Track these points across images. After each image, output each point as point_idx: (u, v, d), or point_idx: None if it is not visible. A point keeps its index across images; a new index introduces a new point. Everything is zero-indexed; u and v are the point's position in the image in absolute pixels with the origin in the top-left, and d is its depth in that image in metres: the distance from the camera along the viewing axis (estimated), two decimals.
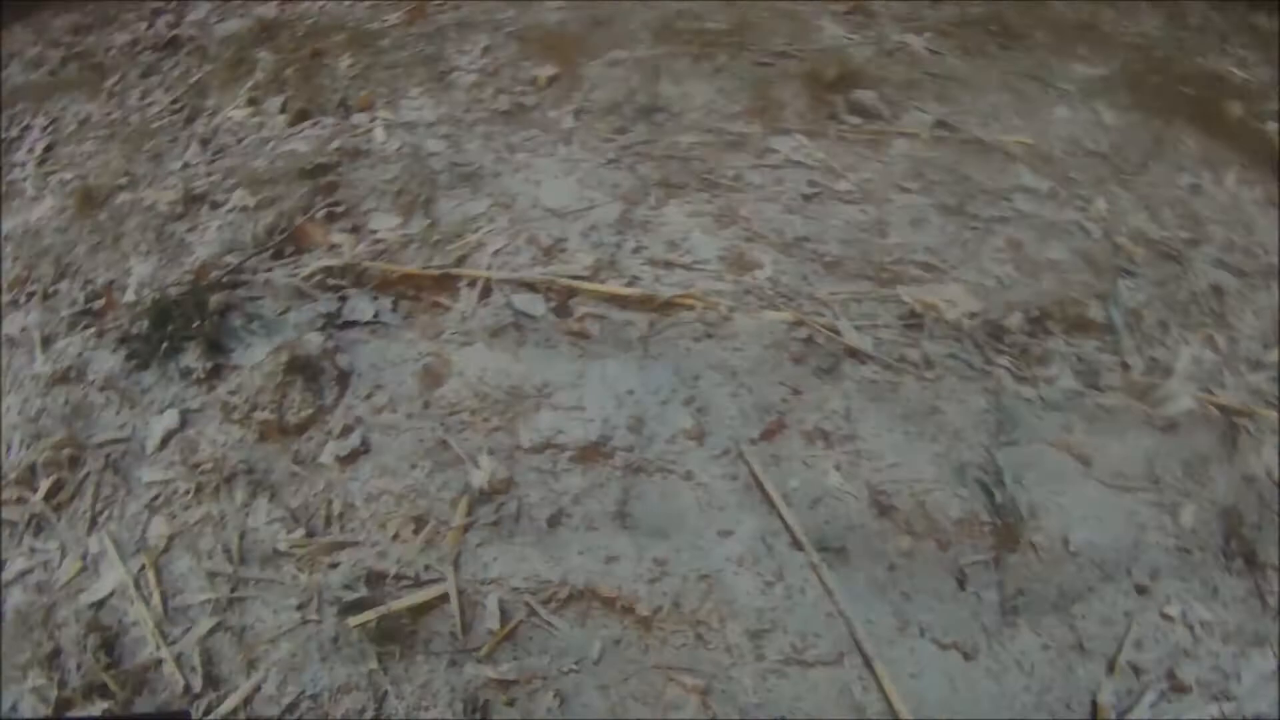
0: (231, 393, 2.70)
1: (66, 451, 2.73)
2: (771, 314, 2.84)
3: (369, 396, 2.68)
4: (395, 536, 2.44)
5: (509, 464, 2.52)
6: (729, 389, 2.68)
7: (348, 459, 2.55)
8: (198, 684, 2.35)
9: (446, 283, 2.94)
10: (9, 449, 2.81)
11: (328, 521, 2.50)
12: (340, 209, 3.23)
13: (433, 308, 2.90)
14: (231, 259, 3.15)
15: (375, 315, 2.89)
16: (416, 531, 2.44)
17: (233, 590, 2.44)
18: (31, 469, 2.71)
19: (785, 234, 3.10)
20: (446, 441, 2.56)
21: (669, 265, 2.98)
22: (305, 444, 2.62)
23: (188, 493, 2.58)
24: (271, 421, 2.63)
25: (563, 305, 2.87)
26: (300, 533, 2.47)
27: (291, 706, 2.30)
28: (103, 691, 2.36)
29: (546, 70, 3.73)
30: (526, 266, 2.96)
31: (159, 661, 2.39)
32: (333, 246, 3.13)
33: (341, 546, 2.45)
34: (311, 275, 3.01)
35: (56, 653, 2.44)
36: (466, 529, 2.44)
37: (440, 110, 3.59)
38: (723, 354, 2.76)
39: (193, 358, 2.82)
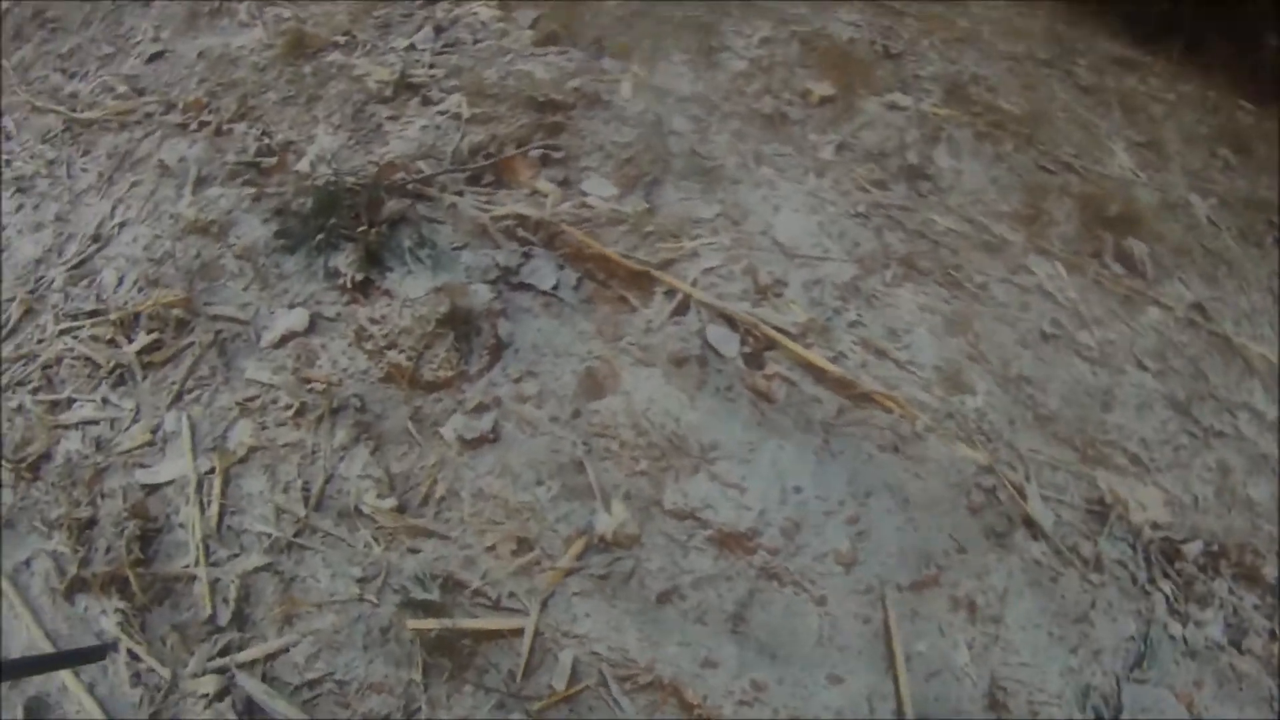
0: (373, 319, 2.54)
1: (177, 312, 2.62)
2: (966, 450, 2.54)
3: (518, 380, 2.47)
4: (492, 549, 2.22)
5: (642, 519, 2.27)
6: (897, 520, 2.40)
7: (472, 442, 2.34)
8: (224, 618, 2.20)
9: (643, 281, 2.71)
10: (120, 281, 2.72)
11: (425, 501, 2.30)
12: (558, 155, 3.05)
13: (618, 303, 2.67)
14: (424, 167, 3.01)
15: (555, 287, 2.68)
16: (516, 553, 2.21)
17: (296, 534, 2.27)
18: (135, 316, 2.61)
19: (1011, 368, 2.79)
20: (584, 465, 2.33)
21: (881, 354, 2.69)
22: (432, 405, 2.43)
23: (288, 408, 2.43)
24: (404, 367, 2.45)
25: (757, 355, 2.60)
26: (391, 502, 2.28)
27: (313, 684, 2.13)
28: (122, 587, 2.23)
29: (822, 88, 3.47)
30: (735, 298, 2.71)
31: (193, 578, 2.25)
32: (535, 193, 2.95)
33: (430, 535, 2.25)
34: (503, 217, 2.83)
35: (91, 523, 2.33)
36: (571, 572, 2.19)
37: (698, 87, 3.39)
38: (903, 476, 2.47)
39: (346, 261, 2.67)
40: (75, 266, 2.86)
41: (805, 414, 2.51)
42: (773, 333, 2.62)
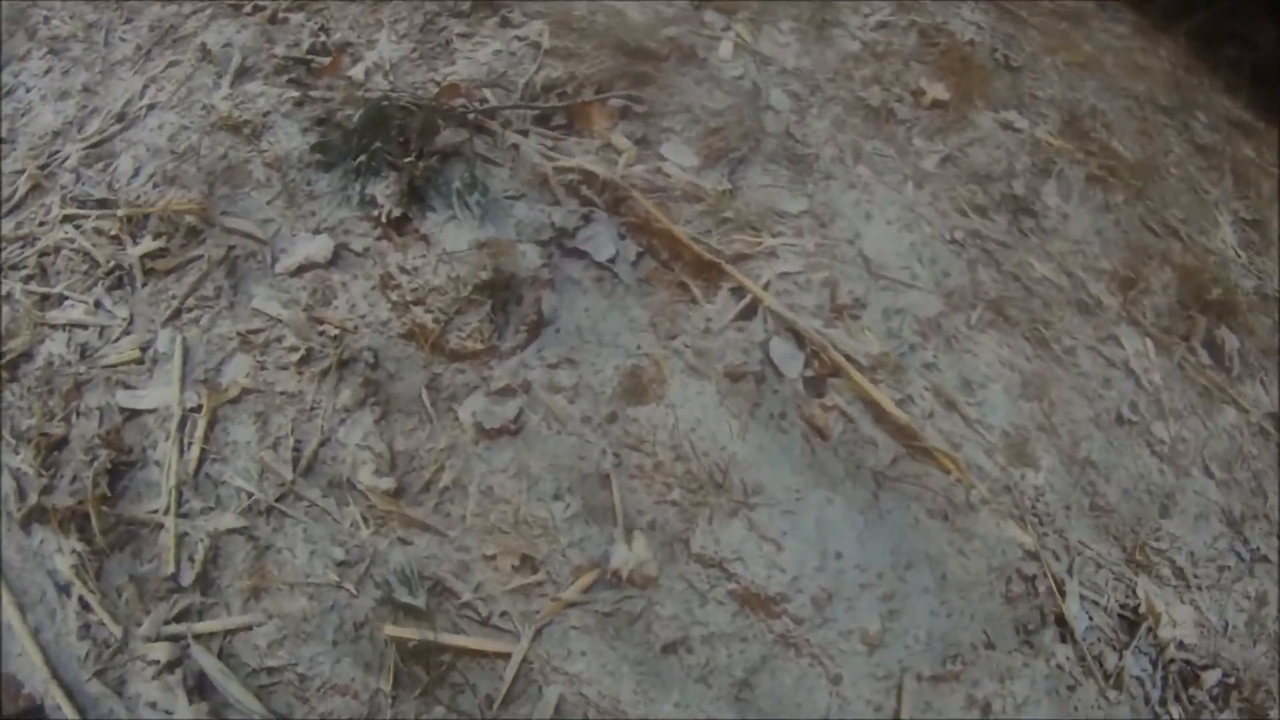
0: (404, 268, 2.16)
1: (190, 219, 2.24)
2: (1016, 530, 2.18)
3: (554, 366, 2.10)
4: (491, 559, 1.88)
5: (664, 559, 1.93)
6: (932, 602, 2.06)
7: (491, 430, 1.99)
8: (187, 578, 1.90)
9: (710, 273, 2.31)
10: (136, 172, 2.34)
11: (426, 488, 1.96)
12: (640, 109, 2.61)
13: (678, 290, 2.28)
14: (490, 96, 2.59)
15: (612, 259, 2.29)
16: (518, 570, 1.87)
17: (279, 498, 1.94)
18: (145, 215, 2.23)
19: (1080, 449, 2.40)
20: (610, 481, 1.98)
21: (950, 406, 2.30)
22: (453, 376, 2.07)
23: (292, 350, 2.07)
24: (429, 330, 2.08)
25: (820, 381, 2.21)
26: (389, 482, 1.94)
27: (273, 671, 1.83)
28: (82, 525, 1.92)
29: (936, 90, 2.99)
30: (807, 312, 2.31)
31: (159, 527, 1.92)
32: (608, 146, 2.53)
33: (425, 528, 1.91)
34: (568, 170, 2.42)
35: (62, 443, 2.02)
36: (573, 604, 1.85)
37: (803, 62, 2.91)
38: (947, 549, 2.12)
39: (385, 191, 2.28)
40: (93, 145, 2.48)
41: (858, 458, 2.13)
42: (841, 360, 2.22)
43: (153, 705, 1.81)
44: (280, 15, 2.83)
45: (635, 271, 2.31)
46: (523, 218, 2.31)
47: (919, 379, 2.30)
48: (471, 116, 2.53)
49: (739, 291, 2.30)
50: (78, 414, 2.04)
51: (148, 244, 2.20)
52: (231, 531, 1.91)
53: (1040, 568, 2.17)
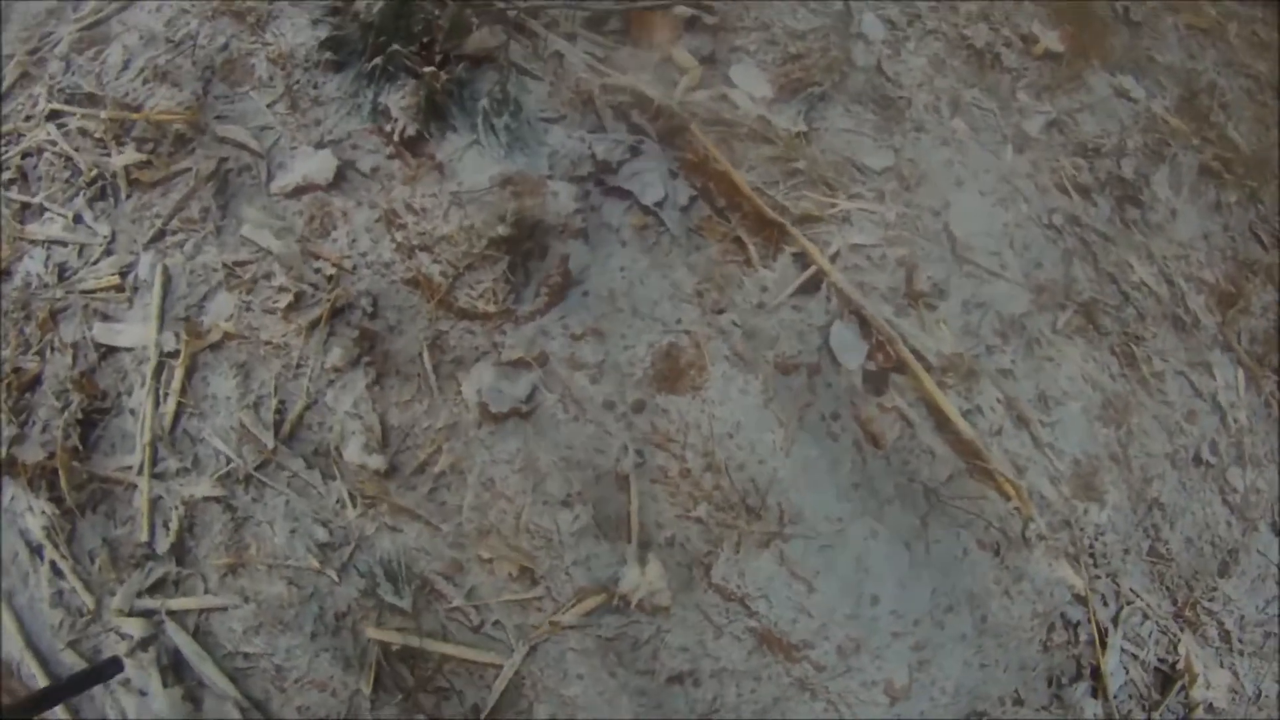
0: (410, 206, 1.71)
1: (178, 126, 1.81)
2: (1068, 570, 1.77)
3: (578, 336, 1.67)
4: (487, 563, 1.53)
5: (679, 586, 1.55)
6: (966, 651, 1.69)
7: (498, 414, 1.60)
8: (162, 545, 1.62)
9: (770, 231, 1.82)
10: (125, 65, 1.89)
11: (420, 470, 1.60)
12: (710, 21, 2.05)
13: (733, 248, 1.81)
14: None
15: (659, 203, 1.81)
16: (514, 579, 1.52)
17: (258, 466, 1.60)
18: (132, 121, 1.80)
19: (1151, 487, 1.93)
20: (628, 485, 1.58)
21: (1021, 423, 1.83)
22: (460, 336, 1.67)
23: (281, 291, 1.69)
24: (436, 283, 1.66)
25: (881, 376, 1.75)
26: (379, 460, 1.59)
27: (247, 657, 1.55)
28: (51, 483, 1.63)
29: (1050, 39, 2.30)
30: (879, 296, 1.82)
31: (132, 487, 1.60)
32: (669, 62, 1.98)
33: (416, 518, 1.57)
34: (617, 90, 1.89)
35: (35, 383, 1.70)
36: (571, 627, 1.51)
37: None
38: (992, 588, 1.71)
39: (400, 102, 1.80)
40: (87, 27, 2.02)
41: (911, 469, 1.69)
42: (909, 356, 1.74)
43: (126, 684, 1.56)
44: None
45: (685, 218, 1.82)
46: (558, 146, 1.82)
47: (992, 388, 1.81)
48: (513, 14, 2.00)
49: (802, 260, 1.80)
50: (52, 348, 1.71)
51: (130, 153, 1.79)
52: (208, 499, 1.60)
53: (1086, 614, 1.75)
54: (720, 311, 1.70)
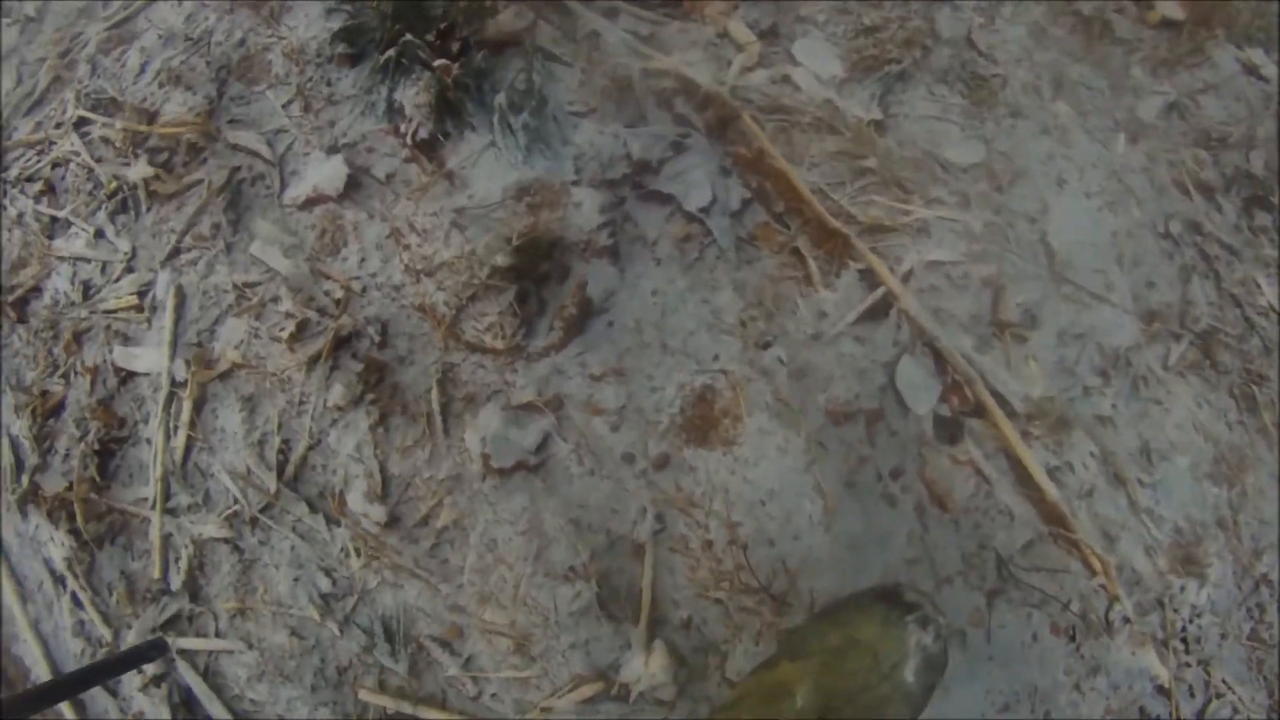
0: (414, 225, 1.46)
1: (189, 134, 1.62)
2: (1153, 659, 1.34)
3: (597, 377, 1.39)
4: (487, 631, 1.32)
5: (687, 679, 1.28)
6: None
7: (501, 468, 1.35)
8: (175, 582, 1.46)
9: (834, 243, 1.47)
10: (144, 66, 1.72)
11: (424, 522, 1.38)
12: None
13: (792, 263, 1.46)
14: None
15: (705, 209, 1.48)
16: (515, 652, 1.31)
17: (263, 509, 1.44)
18: (151, 119, 1.64)
19: (1261, 560, 1.44)
20: (642, 554, 1.31)
21: (1118, 483, 1.40)
22: (472, 372, 1.40)
23: (288, 317, 1.48)
24: (440, 313, 1.42)
25: (955, 422, 1.38)
26: (381, 511, 1.38)
27: (254, 703, 1.41)
28: (71, 515, 1.50)
29: (1167, 5, 1.75)
30: (958, 324, 1.42)
31: (147, 520, 1.49)
32: (725, 38, 1.63)
33: (416, 575, 1.37)
34: (659, 73, 1.57)
35: (59, 408, 1.57)
36: (567, 714, 1.30)
37: None
38: (1062, 680, 1.31)
39: (414, 98, 1.54)
40: (115, 25, 1.84)
41: (984, 534, 1.32)
42: (989, 400, 1.37)
43: (140, 715, 1.49)
44: None
45: (737, 226, 1.49)
46: (587, 145, 1.49)
47: (1085, 440, 1.37)
48: None
49: (869, 278, 1.44)
50: (75, 371, 1.57)
51: (143, 166, 1.62)
52: (214, 541, 1.46)
53: (1167, 708, 1.37)
54: (767, 345, 1.37)
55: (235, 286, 1.49)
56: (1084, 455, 1.38)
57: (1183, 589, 1.41)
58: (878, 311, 1.39)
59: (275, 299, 1.47)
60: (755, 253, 1.46)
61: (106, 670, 1.31)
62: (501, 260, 1.27)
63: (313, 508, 1.40)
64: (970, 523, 1.34)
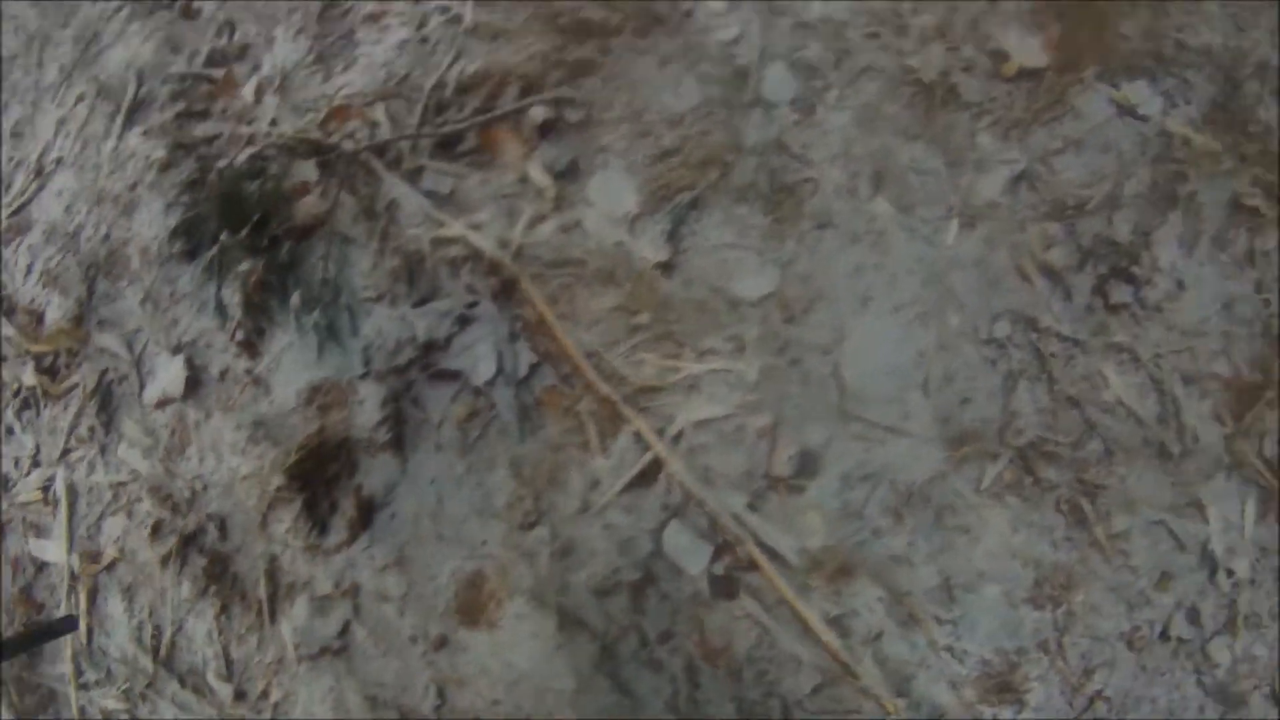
0: (218, 437, 1.60)
1: (67, 342, 1.83)
2: None
3: (383, 568, 1.50)
4: None
5: None
6: None
7: (309, 655, 1.50)
8: None
9: (610, 412, 1.51)
10: (29, 269, 1.93)
11: (264, 696, 1.56)
12: (574, 118, 1.65)
13: (575, 429, 1.52)
14: (384, 118, 1.77)
15: (492, 380, 1.55)
16: None
17: (147, 685, 1.65)
18: (38, 323, 1.86)
19: (1093, 679, 1.41)
20: None
21: (912, 623, 1.38)
22: (291, 562, 1.56)
23: (149, 516, 1.67)
24: (250, 514, 1.57)
25: (730, 580, 1.40)
26: (227, 689, 1.56)
27: None
28: (9, 693, 1.78)
29: (1027, 50, 1.58)
30: (729, 483, 1.41)
31: (67, 696, 1.74)
32: (522, 183, 1.66)
33: None
34: (448, 241, 1.63)
35: None
36: None
37: (831, 6, 1.65)
38: None
39: (231, 297, 1.68)
40: (15, 212, 2.06)
41: (769, 681, 1.35)
42: (762, 559, 1.38)
43: None
44: (194, 6, 2.12)
45: (523, 395, 1.55)
46: (375, 335, 1.58)
47: (872, 585, 1.36)
48: (361, 155, 1.77)
49: (642, 441, 1.48)
50: (3, 563, 1.87)
51: (30, 373, 1.85)
52: (118, 710, 1.70)
53: None
54: (532, 526, 1.44)
55: (110, 486, 1.69)
56: (869, 600, 1.38)
57: (995, 718, 1.40)
58: (648, 476, 1.42)
59: (139, 499, 1.65)
60: (541, 420, 1.52)
61: (17, 645, 1.46)
62: (285, 475, 1.39)
63: (183, 684, 1.58)
64: (754, 671, 1.38)
